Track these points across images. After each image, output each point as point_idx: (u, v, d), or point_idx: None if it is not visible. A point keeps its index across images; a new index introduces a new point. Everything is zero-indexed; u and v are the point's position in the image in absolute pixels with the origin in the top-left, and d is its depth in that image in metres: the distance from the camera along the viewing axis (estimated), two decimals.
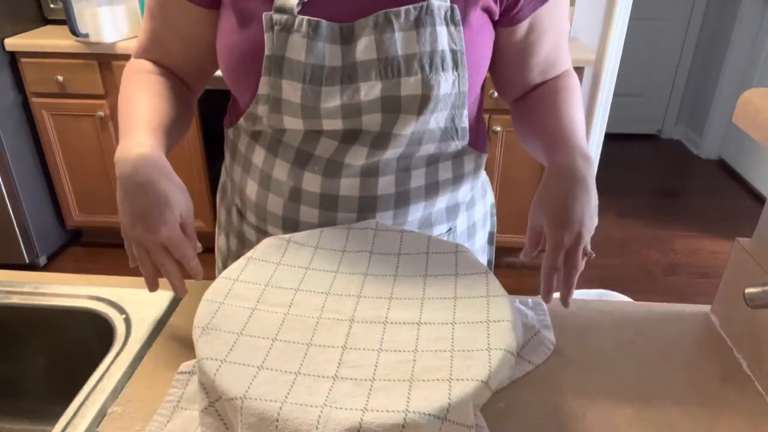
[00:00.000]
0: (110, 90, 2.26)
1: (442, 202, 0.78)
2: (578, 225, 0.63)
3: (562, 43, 0.77)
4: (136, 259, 0.65)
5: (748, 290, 0.61)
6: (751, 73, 3.37)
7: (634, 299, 1.44)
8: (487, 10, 0.68)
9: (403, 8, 0.63)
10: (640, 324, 0.75)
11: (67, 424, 0.59)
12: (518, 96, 0.80)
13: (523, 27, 0.71)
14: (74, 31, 2.11)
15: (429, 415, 0.46)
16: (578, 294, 1.67)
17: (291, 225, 0.75)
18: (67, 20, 2.10)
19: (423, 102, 0.66)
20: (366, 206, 0.73)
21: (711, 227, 2.93)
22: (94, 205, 2.51)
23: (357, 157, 0.70)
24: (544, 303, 0.76)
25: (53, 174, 2.45)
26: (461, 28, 0.65)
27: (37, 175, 2.44)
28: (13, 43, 2.20)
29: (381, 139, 0.69)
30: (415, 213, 0.76)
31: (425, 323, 0.57)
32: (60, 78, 2.23)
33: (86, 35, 2.13)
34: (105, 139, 2.35)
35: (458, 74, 0.67)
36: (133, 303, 0.77)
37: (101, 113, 2.28)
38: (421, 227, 0.78)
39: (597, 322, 0.75)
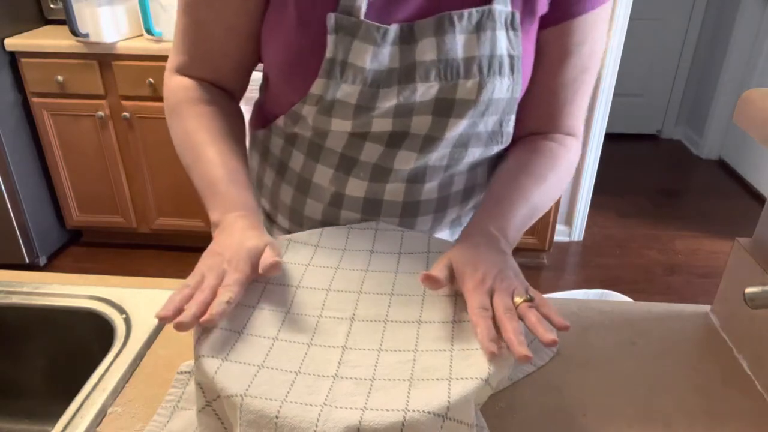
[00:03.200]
0: (110, 90, 2.26)
1: (473, 202, 0.79)
2: (489, 264, 0.58)
3: (581, 89, 0.73)
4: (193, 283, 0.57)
5: (748, 290, 0.61)
6: (751, 73, 3.37)
7: (634, 299, 1.44)
8: (539, 15, 0.67)
9: (465, 11, 0.62)
10: (640, 324, 0.75)
11: (67, 424, 0.59)
12: (518, 133, 0.75)
13: (555, 31, 0.68)
14: (74, 31, 2.11)
15: (429, 413, 0.46)
16: (578, 294, 1.68)
17: None
18: (67, 20, 2.10)
19: (476, 105, 0.65)
20: (408, 211, 0.73)
21: (711, 227, 2.93)
22: (94, 205, 2.51)
23: (406, 162, 0.69)
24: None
25: (53, 174, 2.45)
26: (519, 33, 0.65)
27: (37, 175, 2.44)
28: (13, 43, 2.20)
29: (428, 142, 0.68)
30: (451, 215, 0.77)
31: (425, 322, 0.57)
32: (60, 78, 2.23)
33: (86, 35, 2.13)
34: (105, 139, 2.36)
35: (513, 80, 0.66)
36: (133, 303, 0.77)
37: (101, 113, 2.28)
38: (452, 227, 0.79)
39: (597, 322, 0.75)
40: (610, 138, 2.72)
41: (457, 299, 0.60)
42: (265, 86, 0.76)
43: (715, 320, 0.76)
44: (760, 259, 0.68)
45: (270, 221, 0.81)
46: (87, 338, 0.78)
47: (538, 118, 0.74)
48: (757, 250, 0.70)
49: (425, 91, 0.64)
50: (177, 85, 0.73)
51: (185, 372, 0.64)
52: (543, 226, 2.44)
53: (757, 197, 3.22)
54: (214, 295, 0.54)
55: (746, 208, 3.16)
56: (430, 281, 0.57)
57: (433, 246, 0.68)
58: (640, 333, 0.73)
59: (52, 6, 2.38)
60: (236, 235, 0.60)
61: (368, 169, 0.70)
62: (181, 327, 0.51)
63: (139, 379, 0.65)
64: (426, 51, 0.63)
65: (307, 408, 0.47)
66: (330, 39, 0.62)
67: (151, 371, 0.66)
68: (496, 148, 0.73)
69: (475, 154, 0.72)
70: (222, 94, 0.74)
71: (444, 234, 0.80)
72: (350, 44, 0.62)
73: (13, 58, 2.24)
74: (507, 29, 0.64)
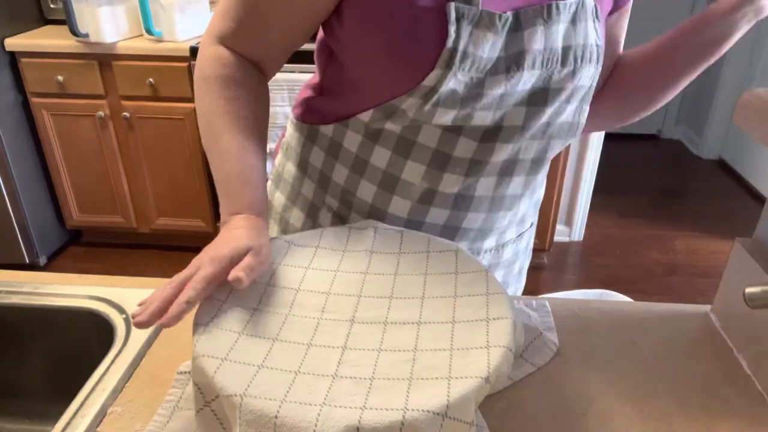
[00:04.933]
0: (110, 90, 2.27)
1: (534, 197, 0.82)
2: None
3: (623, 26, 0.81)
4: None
5: (748, 290, 0.61)
6: (751, 73, 3.37)
7: (634, 299, 1.44)
8: (609, 7, 0.74)
9: (566, 1, 0.65)
10: (640, 324, 0.75)
11: (67, 424, 0.59)
12: None
13: (614, 16, 0.76)
14: (74, 31, 2.11)
15: (428, 412, 0.46)
16: (578, 294, 1.68)
17: (413, 228, 0.74)
18: (67, 20, 2.11)
19: (565, 94, 0.68)
20: (495, 206, 0.75)
21: (711, 227, 2.93)
22: (94, 205, 2.52)
23: (500, 155, 0.71)
24: (547, 304, 0.77)
25: (53, 174, 2.45)
26: (601, 25, 0.69)
27: (37, 175, 2.44)
28: (13, 43, 2.20)
29: (517, 132, 0.70)
30: (521, 212, 0.80)
31: (425, 322, 0.57)
32: (60, 78, 2.23)
33: (86, 35, 2.13)
34: (105, 139, 2.36)
35: (597, 68, 0.70)
36: (133, 303, 0.77)
37: (101, 113, 2.28)
38: (519, 224, 0.82)
39: (597, 322, 0.75)
40: (610, 138, 2.72)
41: (457, 300, 0.60)
42: (338, 81, 0.72)
43: (715, 320, 0.76)
44: (760, 259, 0.68)
45: (340, 220, 0.78)
46: (87, 338, 0.78)
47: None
48: (757, 250, 0.70)
49: (528, 79, 0.66)
50: (214, 56, 0.69)
51: (185, 372, 0.64)
52: (543, 226, 2.44)
53: (757, 197, 3.22)
54: (180, 289, 0.53)
55: (746, 208, 3.17)
56: None
57: (432, 246, 0.68)
58: (640, 333, 0.73)
59: (52, 6, 2.38)
60: (231, 233, 0.60)
61: (465, 164, 0.70)
62: (139, 326, 0.51)
63: (139, 379, 0.65)
64: (535, 39, 0.64)
65: (307, 408, 0.47)
66: (451, 29, 0.61)
67: (151, 371, 0.66)
68: (570, 141, 0.76)
69: (555, 148, 0.74)
70: (255, 75, 0.71)
71: (511, 232, 0.82)
72: (471, 34, 0.62)
73: (13, 58, 2.24)
74: (594, 20, 0.68)
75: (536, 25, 0.64)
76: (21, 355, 0.82)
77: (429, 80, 0.63)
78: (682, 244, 2.79)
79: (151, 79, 2.20)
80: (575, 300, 0.80)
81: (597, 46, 0.68)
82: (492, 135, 0.69)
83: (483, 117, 0.67)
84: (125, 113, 2.28)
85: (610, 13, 0.75)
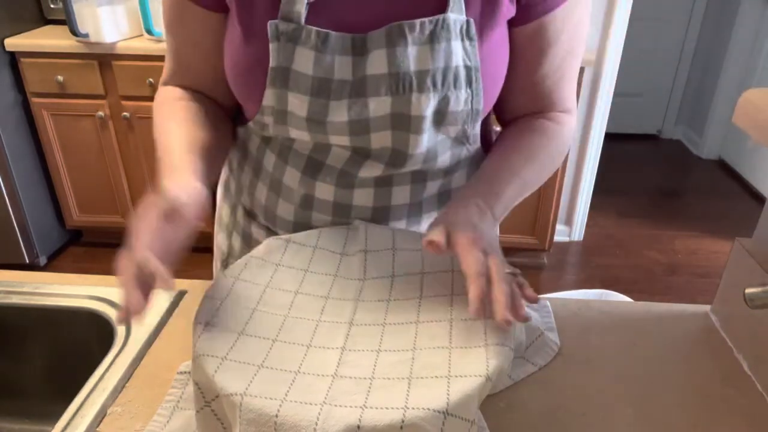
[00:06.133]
0: (110, 90, 2.26)
1: None
2: (481, 230, 0.58)
3: (566, 72, 0.71)
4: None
5: (748, 290, 0.61)
6: (751, 73, 3.37)
7: (634, 299, 1.44)
8: (505, 18, 0.64)
9: (418, 21, 0.59)
10: (640, 324, 0.75)
11: (67, 424, 0.59)
12: (508, 118, 0.76)
13: (528, 29, 0.65)
14: (74, 31, 2.11)
15: (428, 410, 0.46)
16: (578, 294, 1.68)
17: (302, 230, 0.73)
18: (67, 20, 2.11)
19: (433, 120, 0.64)
20: (379, 216, 0.73)
21: (711, 227, 2.93)
22: (94, 205, 2.51)
23: (371, 172, 0.69)
24: (548, 304, 0.77)
25: (53, 174, 2.45)
26: (476, 43, 0.62)
27: (37, 175, 2.44)
28: (13, 43, 2.20)
29: (397, 157, 0.67)
30: (429, 221, 0.76)
31: (423, 322, 0.57)
32: (60, 78, 2.23)
33: (86, 35, 2.13)
34: (105, 139, 2.36)
35: (471, 91, 0.63)
36: None
37: (101, 113, 2.28)
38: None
39: (597, 322, 0.75)
40: (610, 138, 2.72)
41: (454, 299, 0.60)
42: None
43: (715, 320, 0.76)
44: (760, 259, 0.68)
45: (249, 218, 0.81)
46: (87, 338, 0.78)
47: (526, 103, 0.73)
48: (757, 250, 0.70)
49: (377, 106, 0.62)
50: (162, 93, 0.75)
51: (185, 372, 0.64)
52: (543, 226, 2.44)
53: (757, 197, 3.22)
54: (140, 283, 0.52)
55: (746, 208, 3.16)
56: (433, 246, 0.56)
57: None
58: (640, 333, 0.73)
59: (52, 6, 2.38)
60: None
61: (334, 173, 0.69)
62: (121, 322, 0.52)
63: (139, 379, 0.65)
64: (376, 64, 0.61)
65: (307, 407, 0.47)
66: (272, 47, 0.61)
67: (151, 371, 0.66)
68: (465, 149, 0.72)
69: (445, 160, 0.71)
70: (206, 99, 0.74)
71: None
72: (292, 51, 0.61)
73: (13, 58, 2.24)
74: (462, 39, 0.61)
75: (378, 48, 0.60)
76: (21, 355, 0.82)
77: (267, 99, 0.64)
78: (682, 244, 2.79)
79: (151, 79, 2.20)
80: (575, 300, 0.80)
81: (467, 68, 0.62)
82: (363, 152, 0.68)
83: (340, 140, 0.66)
84: (125, 113, 2.28)
85: (521, 23, 0.65)
